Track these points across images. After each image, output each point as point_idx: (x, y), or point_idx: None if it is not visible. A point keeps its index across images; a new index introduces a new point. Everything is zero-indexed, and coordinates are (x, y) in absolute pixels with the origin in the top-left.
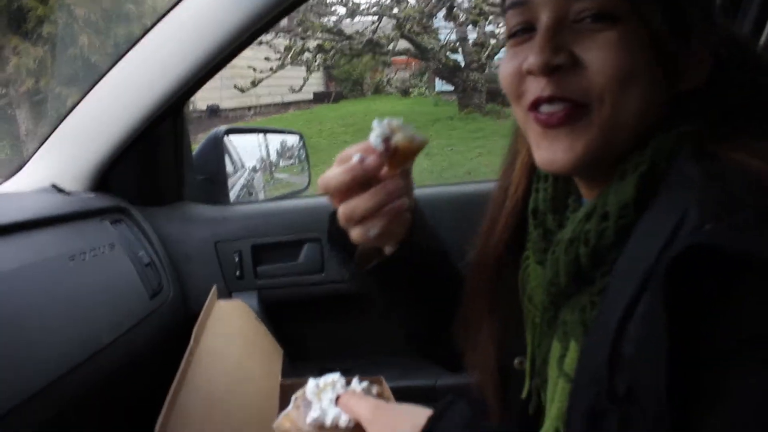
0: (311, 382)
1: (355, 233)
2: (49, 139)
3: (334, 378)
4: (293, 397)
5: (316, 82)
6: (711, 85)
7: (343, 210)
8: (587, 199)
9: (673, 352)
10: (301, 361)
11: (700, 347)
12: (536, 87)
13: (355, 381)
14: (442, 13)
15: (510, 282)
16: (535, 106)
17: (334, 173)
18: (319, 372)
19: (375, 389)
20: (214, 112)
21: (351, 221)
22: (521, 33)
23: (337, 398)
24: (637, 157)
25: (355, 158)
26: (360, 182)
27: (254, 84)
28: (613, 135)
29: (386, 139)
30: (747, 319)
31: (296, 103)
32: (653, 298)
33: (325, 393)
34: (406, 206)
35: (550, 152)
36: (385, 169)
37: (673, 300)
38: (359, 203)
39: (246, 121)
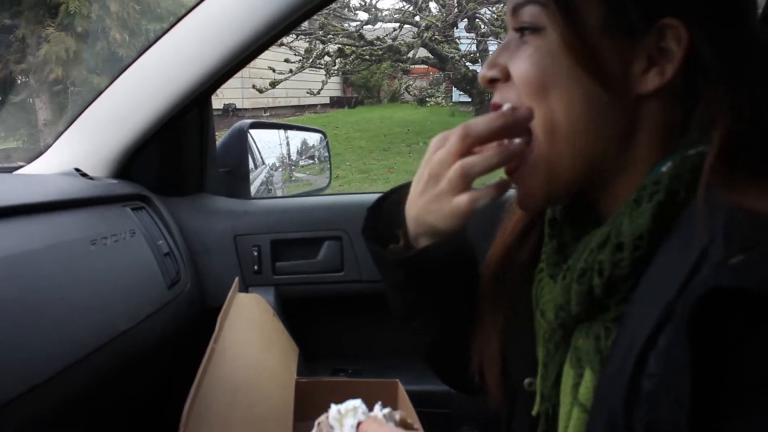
0: (333, 409)
1: (464, 199)
2: (74, 123)
3: (355, 404)
4: (316, 422)
5: (333, 87)
6: (700, 89)
7: (471, 162)
8: (602, 215)
9: (696, 389)
10: (314, 360)
11: (722, 385)
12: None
13: (377, 407)
14: (463, 24)
15: (520, 295)
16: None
17: (483, 119)
18: (332, 372)
19: (397, 415)
20: (231, 111)
21: (468, 179)
22: None
23: (359, 424)
24: (652, 185)
25: (506, 106)
26: (507, 131)
27: (273, 85)
28: (552, 147)
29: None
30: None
31: (312, 107)
32: (677, 334)
33: (346, 419)
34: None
35: (517, 199)
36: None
37: (698, 336)
38: (487, 157)
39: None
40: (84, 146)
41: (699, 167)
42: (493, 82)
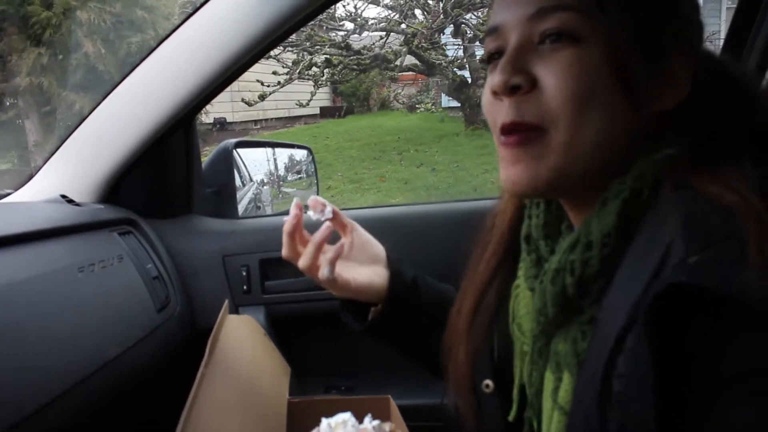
0: (324, 423)
1: (320, 277)
2: (60, 149)
3: (345, 417)
4: None
5: (322, 97)
6: (691, 108)
7: (300, 264)
8: (577, 226)
9: (661, 389)
10: (307, 378)
11: (685, 384)
12: (502, 112)
13: (367, 420)
14: (449, 30)
15: (493, 307)
16: (502, 132)
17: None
18: (324, 389)
19: (387, 427)
20: (221, 125)
21: (309, 271)
22: (495, 57)
23: None
24: (618, 185)
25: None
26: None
27: (262, 98)
28: (570, 158)
29: None
30: (730, 356)
31: (303, 118)
32: (639, 335)
33: None
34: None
35: (511, 173)
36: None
37: (659, 335)
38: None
39: (252, 134)
40: (70, 172)
41: (664, 168)
42: (515, 89)
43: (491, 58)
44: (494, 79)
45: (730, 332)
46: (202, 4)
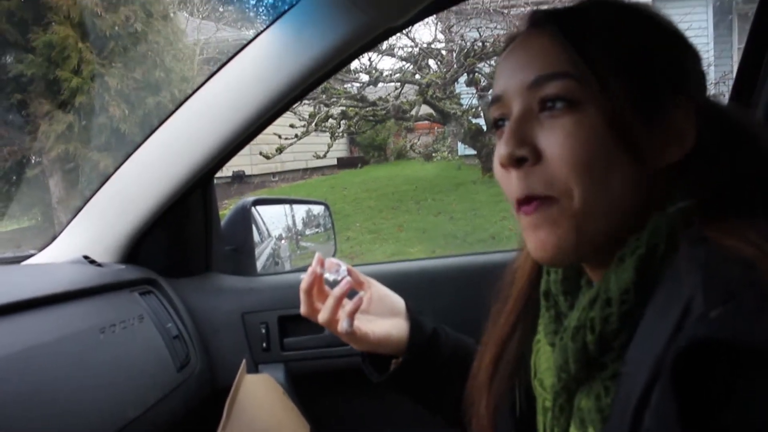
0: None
1: (339, 330)
2: (82, 210)
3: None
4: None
5: (340, 148)
6: (699, 158)
7: (319, 319)
8: (596, 282)
9: None
10: None
11: None
12: (513, 187)
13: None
14: (463, 79)
15: (514, 361)
16: (517, 204)
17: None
18: None
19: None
20: (239, 178)
21: (329, 325)
22: (500, 124)
23: None
24: (634, 241)
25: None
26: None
27: (279, 151)
28: (588, 220)
29: None
30: (756, 409)
31: (320, 169)
32: (665, 389)
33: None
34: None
35: (538, 238)
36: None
37: (684, 390)
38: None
39: (271, 186)
40: (93, 232)
41: (678, 222)
42: (520, 161)
43: (497, 125)
44: (500, 150)
45: (756, 384)
46: (220, 68)
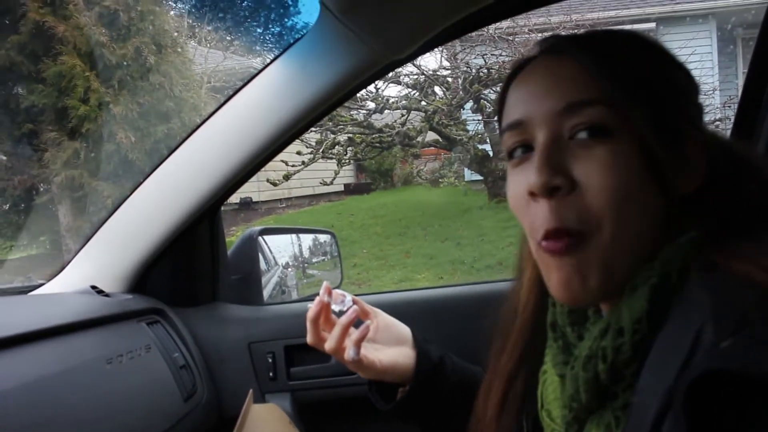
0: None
1: (346, 359)
2: (91, 240)
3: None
4: None
5: (347, 174)
6: (709, 191)
7: (326, 347)
8: (605, 311)
9: None
10: None
11: None
12: (541, 217)
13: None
14: (469, 105)
15: (522, 396)
16: (545, 237)
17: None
18: None
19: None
20: (246, 205)
21: (336, 353)
22: (520, 153)
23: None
24: (646, 271)
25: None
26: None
27: (286, 178)
28: (616, 256)
29: None
30: None
31: (327, 195)
32: (677, 421)
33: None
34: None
35: (561, 279)
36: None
37: (696, 420)
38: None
39: (278, 213)
40: (100, 262)
41: (689, 251)
42: (554, 190)
43: (513, 154)
44: (531, 179)
45: (765, 417)
46: (228, 99)
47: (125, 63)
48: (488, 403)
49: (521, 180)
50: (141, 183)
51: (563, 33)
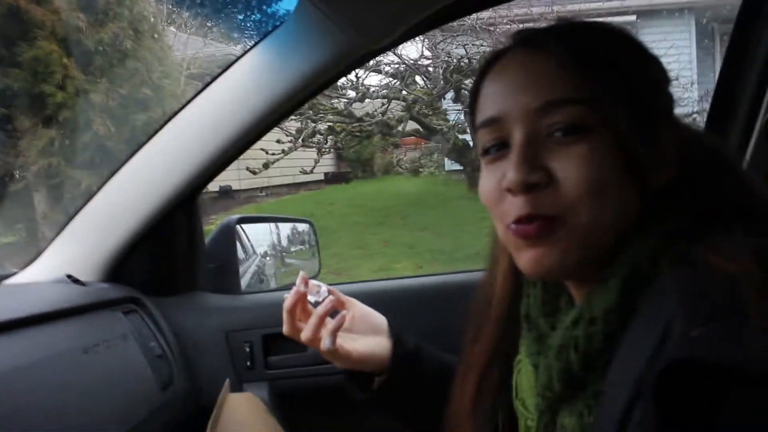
0: None
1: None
2: (66, 228)
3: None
4: None
5: (327, 163)
6: (681, 184)
7: (302, 337)
8: (578, 302)
9: None
10: None
11: None
12: (515, 206)
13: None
14: (450, 95)
15: (496, 387)
16: (516, 221)
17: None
18: None
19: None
20: (226, 193)
21: (312, 343)
22: (495, 150)
23: None
24: (619, 261)
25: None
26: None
27: (266, 166)
28: (589, 241)
29: None
30: (736, 430)
31: (307, 184)
32: (645, 409)
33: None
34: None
35: (533, 258)
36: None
37: (665, 409)
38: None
39: (258, 202)
40: (76, 251)
41: (660, 243)
42: (532, 187)
43: (488, 151)
44: (509, 176)
45: (735, 406)
46: (204, 87)
47: (103, 49)
48: (463, 393)
49: (496, 175)
50: (117, 171)
51: (544, 24)
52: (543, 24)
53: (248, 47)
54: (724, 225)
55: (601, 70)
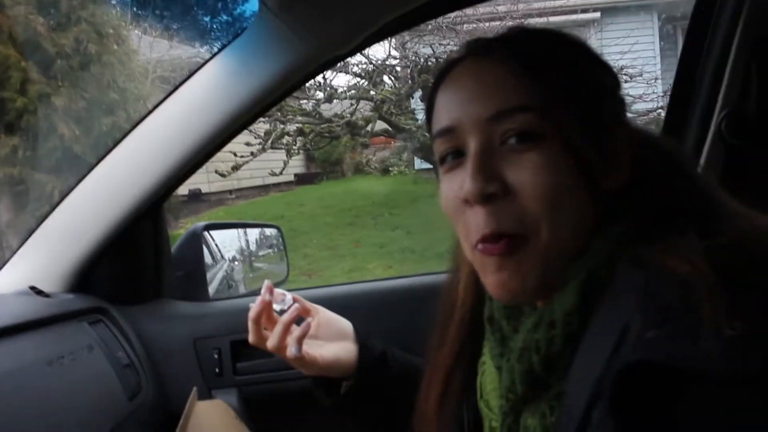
0: None
1: (288, 356)
2: (29, 239)
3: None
4: None
5: (297, 164)
6: (636, 187)
7: (268, 345)
8: (540, 305)
9: None
10: None
11: None
12: (477, 222)
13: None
14: (418, 94)
15: (461, 391)
16: (482, 240)
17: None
18: None
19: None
20: (195, 196)
21: (278, 351)
22: (451, 158)
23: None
24: (576, 266)
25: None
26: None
27: (235, 169)
28: (553, 256)
29: None
30: (692, 430)
31: (278, 185)
32: (604, 410)
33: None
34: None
35: (498, 281)
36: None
37: (624, 409)
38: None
39: (228, 204)
40: (40, 261)
41: (615, 246)
42: (489, 197)
43: (445, 159)
44: (466, 186)
45: (690, 406)
46: (168, 95)
47: (65, 53)
48: (429, 395)
49: (453, 186)
50: (80, 181)
51: (510, 22)
52: (509, 22)
53: (213, 53)
54: (678, 227)
55: (551, 77)
